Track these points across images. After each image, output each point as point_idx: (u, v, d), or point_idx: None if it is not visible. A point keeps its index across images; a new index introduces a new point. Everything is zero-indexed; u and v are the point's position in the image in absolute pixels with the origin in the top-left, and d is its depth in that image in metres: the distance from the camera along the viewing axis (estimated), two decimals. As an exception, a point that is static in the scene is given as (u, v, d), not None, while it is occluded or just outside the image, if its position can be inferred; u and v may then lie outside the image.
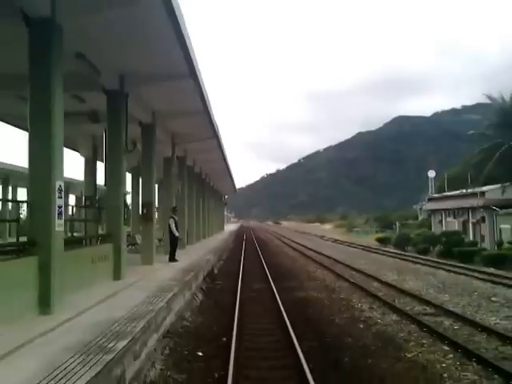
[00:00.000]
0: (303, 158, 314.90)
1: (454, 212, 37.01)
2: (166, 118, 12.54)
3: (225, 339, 7.67)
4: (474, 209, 33.28)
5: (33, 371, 3.59)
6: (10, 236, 18.91)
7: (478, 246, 30.79)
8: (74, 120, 10.05)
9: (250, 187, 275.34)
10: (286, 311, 9.54)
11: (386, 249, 31.64)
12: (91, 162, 14.69)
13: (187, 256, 15.18)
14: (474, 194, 33.19)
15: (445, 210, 38.70)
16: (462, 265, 19.94)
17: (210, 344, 7.44)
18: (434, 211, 41.69)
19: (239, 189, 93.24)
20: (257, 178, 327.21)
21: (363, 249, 31.14)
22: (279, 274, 16.77)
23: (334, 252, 26.97)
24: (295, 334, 7.58)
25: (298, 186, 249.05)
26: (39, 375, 3.50)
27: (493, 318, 9.42)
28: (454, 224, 36.94)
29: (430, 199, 43.43)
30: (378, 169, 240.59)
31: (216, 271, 16.34)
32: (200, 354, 6.94)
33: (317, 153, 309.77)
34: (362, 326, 8.92)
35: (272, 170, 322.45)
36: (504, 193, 30.97)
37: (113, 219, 8.90)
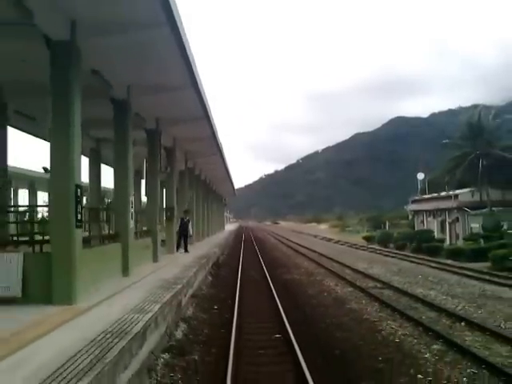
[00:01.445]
0: (302, 159, 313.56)
1: (433, 213, 40.89)
2: (182, 142, 16.40)
3: (230, 302, 11.48)
4: (449, 210, 37.17)
5: (142, 294, 7.43)
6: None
7: (454, 242, 34.83)
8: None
9: (249, 187, 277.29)
10: (274, 287, 13.32)
11: (370, 246, 35.46)
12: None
13: (197, 249, 19.02)
14: (449, 197, 37.08)
15: (426, 210, 42.58)
16: (426, 257, 23.82)
17: (220, 303, 11.25)
18: (416, 212, 45.60)
19: (238, 189, 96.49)
20: (255, 178, 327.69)
21: (348, 246, 35.06)
22: (272, 264, 20.64)
23: (321, 248, 30.85)
24: (279, 299, 11.35)
25: (296, 186, 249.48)
26: (147, 295, 7.36)
27: (420, 290, 13.25)
28: (433, 224, 40.79)
29: (414, 201, 47.31)
30: (376, 169, 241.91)
31: (220, 261, 20.20)
32: (215, 307, 10.79)
33: (315, 153, 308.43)
34: (325, 294, 12.78)
35: (270, 170, 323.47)
36: (474, 196, 34.96)
37: (151, 220, 12.76)
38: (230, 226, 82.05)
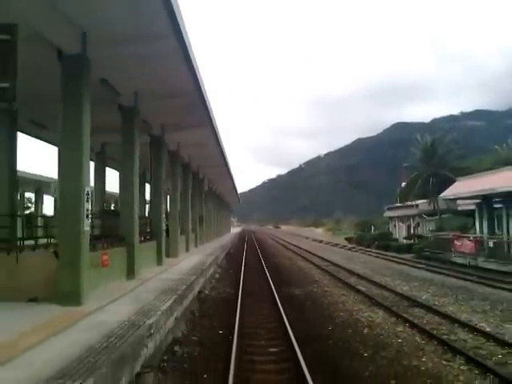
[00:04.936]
0: (304, 164, 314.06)
1: (402, 218, 50.08)
2: (208, 175, 25.80)
3: (239, 270, 20.81)
4: (413, 216, 46.37)
5: (200, 257, 16.79)
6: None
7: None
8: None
9: (252, 192, 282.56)
10: (265, 265, 22.57)
11: (347, 244, 44.67)
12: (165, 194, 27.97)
13: (216, 243, 28.43)
14: (412, 206, 46.24)
15: (396, 217, 51.77)
16: (379, 251, 33.01)
17: (234, 270, 20.56)
18: (391, 218, 54.80)
19: (241, 194, 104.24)
20: (258, 182, 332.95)
21: (329, 244, 44.36)
22: (266, 255, 29.92)
23: (307, 246, 40.16)
24: (267, 270, 20.58)
25: (298, 190, 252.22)
26: (203, 257, 16.73)
27: (351, 265, 22.45)
28: (402, 227, 49.97)
29: (388, 208, 56.49)
30: (377, 174, 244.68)
31: (231, 252, 29.60)
32: (231, 271, 20.18)
33: (317, 158, 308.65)
34: (295, 268, 22.05)
35: (273, 175, 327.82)
36: (430, 205, 44.14)
37: (194, 223, 22.14)
38: (235, 230, 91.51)
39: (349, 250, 36.47)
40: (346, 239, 51.62)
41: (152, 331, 5.79)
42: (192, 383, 6.17)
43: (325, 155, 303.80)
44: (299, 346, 7.47)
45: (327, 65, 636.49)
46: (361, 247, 40.69)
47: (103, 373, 3.97)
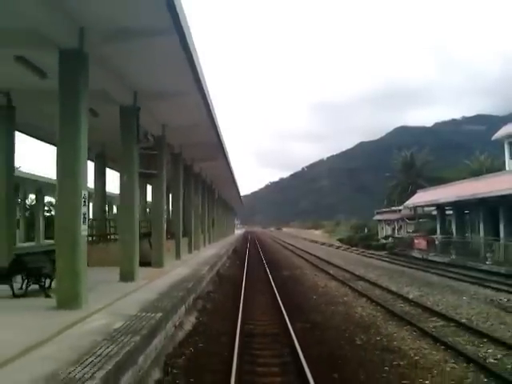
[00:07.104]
0: (307, 167, 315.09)
1: (388, 222, 56.15)
2: (219, 188, 32.04)
3: (243, 261, 27.05)
4: (397, 220, 52.46)
5: (216, 250, 23.03)
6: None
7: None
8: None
9: (255, 195, 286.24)
10: (264, 259, 28.74)
11: (338, 244, 50.76)
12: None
13: (225, 241, 34.66)
14: (396, 211, 52.32)
15: (384, 220, 57.85)
16: (362, 249, 39.09)
17: (239, 262, 26.78)
18: (379, 221, 60.86)
19: (244, 196, 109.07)
20: (261, 185, 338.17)
21: (322, 244, 50.50)
22: (266, 252, 36.13)
23: (302, 245, 46.32)
24: (266, 262, 26.76)
25: (301, 193, 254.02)
26: (217, 250, 22.99)
27: (332, 259, 28.60)
28: (388, 230, 56.02)
29: (377, 212, 62.54)
30: (379, 177, 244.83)
31: (236, 249, 35.85)
32: (237, 262, 26.44)
33: (320, 161, 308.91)
34: (288, 262, 28.20)
35: (276, 178, 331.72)
36: (411, 210, 50.18)
37: (209, 226, 28.34)
38: (238, 231, 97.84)
39: (336, 248, 42.64)
40: (339, 240, 57.69)
41: (204, 277, 12.03)
42: (221, 306, 12.40)
43: (327, 158, 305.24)
44: (279, 296, 13.64)
45: (330, 69, 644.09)
46: (348, 246, 46.79)
47: (193, 283, 10.23)
